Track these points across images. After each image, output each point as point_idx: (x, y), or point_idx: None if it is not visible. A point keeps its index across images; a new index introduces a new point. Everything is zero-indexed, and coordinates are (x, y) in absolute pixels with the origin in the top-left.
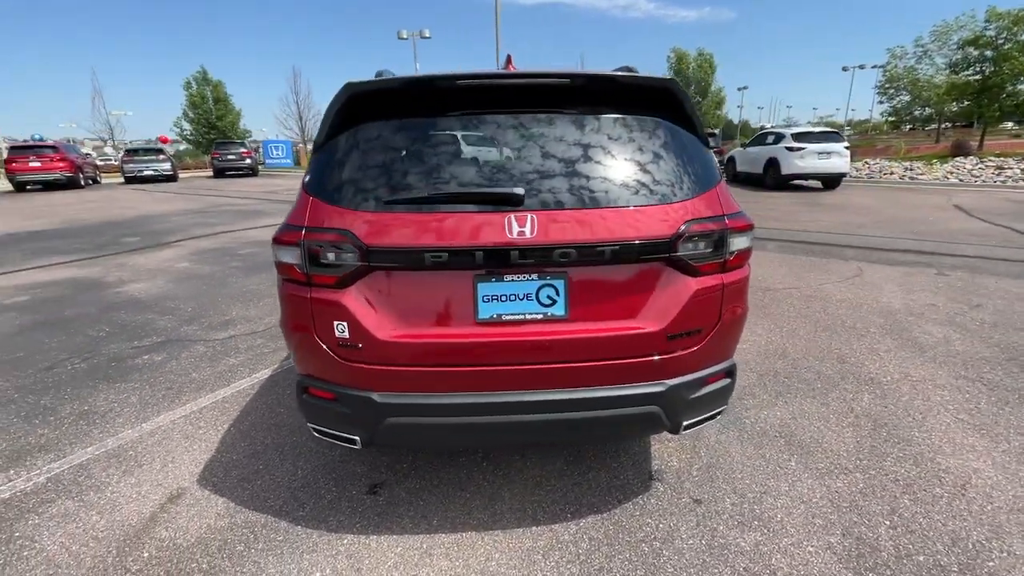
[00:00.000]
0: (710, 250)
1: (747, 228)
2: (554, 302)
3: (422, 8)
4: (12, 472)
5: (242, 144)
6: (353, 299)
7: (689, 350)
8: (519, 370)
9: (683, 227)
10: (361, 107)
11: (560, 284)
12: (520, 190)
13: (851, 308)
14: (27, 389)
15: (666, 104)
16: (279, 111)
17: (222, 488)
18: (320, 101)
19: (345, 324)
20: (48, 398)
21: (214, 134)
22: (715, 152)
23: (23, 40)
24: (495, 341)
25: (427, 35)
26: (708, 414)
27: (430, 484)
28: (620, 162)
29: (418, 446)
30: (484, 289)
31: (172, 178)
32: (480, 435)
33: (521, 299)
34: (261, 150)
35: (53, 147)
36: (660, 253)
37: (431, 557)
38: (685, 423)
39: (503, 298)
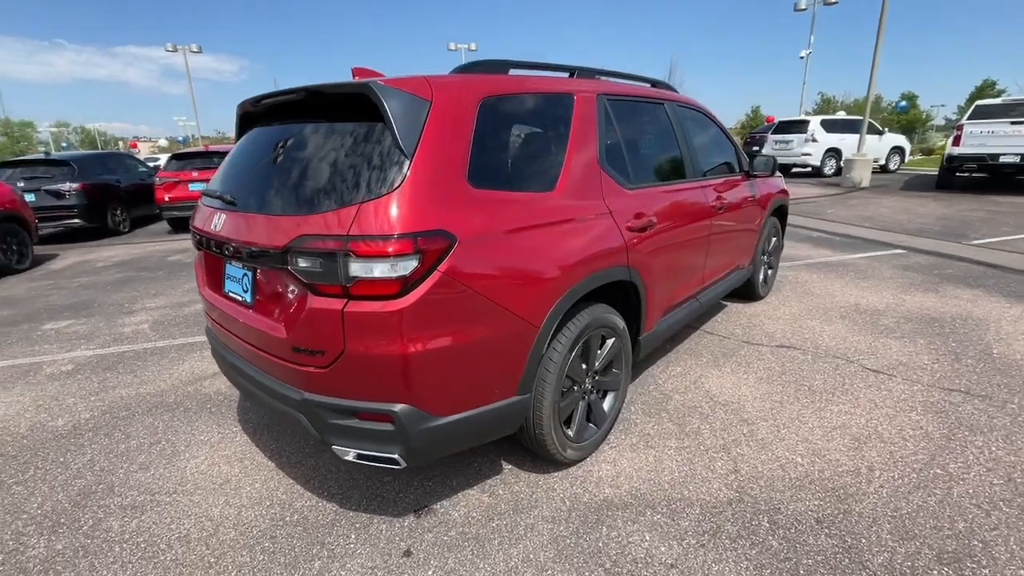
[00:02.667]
0: (321, 270)
1: (385, 255)
2: (247, 290)
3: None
4: None
5: None
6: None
7: (316, 369)
8: (238, 340)
9: (293, 241)
10: (242, 119)
11: (250, 275)
12: (230, 196)
13: None
14: None
15: (366, 110)
16: None
17: None
18: None
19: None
20: None
21: None
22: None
23: None
24: (227, 312)
25: (473, 48)
26: (374, 452)
27: None
28: (307, 168)
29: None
30: (228, 270)
31: None
32: (237, 383)
33: (237, 281)
34: None
35: None
36: (277, 263)
37: None
38: (336, 446)
39: (232, 278)
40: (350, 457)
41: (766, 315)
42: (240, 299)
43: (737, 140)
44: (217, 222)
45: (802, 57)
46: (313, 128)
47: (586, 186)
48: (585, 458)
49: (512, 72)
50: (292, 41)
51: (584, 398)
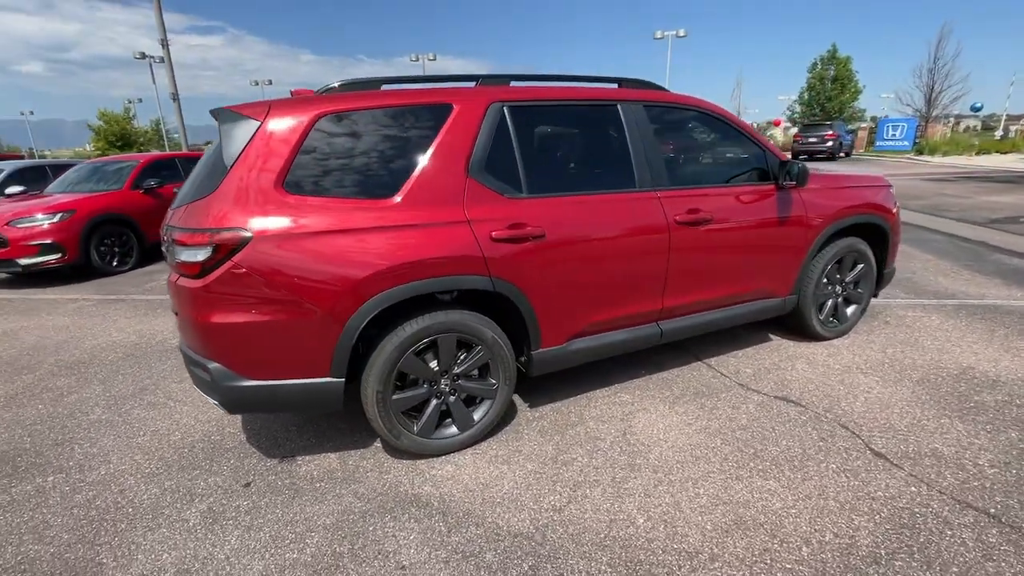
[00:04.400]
0: (168, 251)
1: (187, 244)
2: None
3: None
4: None
5: (828, 126)
6: None
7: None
8: None
9: (164, 229)
10: None
11: None
12: None
13: None
14: None
15: None
16: (908, 83)
17: None
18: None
19: None
20: None
21: (814, 115)
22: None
23: None
24: None
25: (682, 34)
26: (207, 396)
27: None
28: (195, 172)
29: None
30: None
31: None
32: None
33: None
34: (875, 130)
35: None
36: None
37: None
38: (196, 386)
39: None
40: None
41: (809, 358)
42: None
43: (773, 144)
44: None
45: None
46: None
47: (441, 195)
48: (434, 455)
49: (386, 88)
50: (511, 41)
51: (439, 398)
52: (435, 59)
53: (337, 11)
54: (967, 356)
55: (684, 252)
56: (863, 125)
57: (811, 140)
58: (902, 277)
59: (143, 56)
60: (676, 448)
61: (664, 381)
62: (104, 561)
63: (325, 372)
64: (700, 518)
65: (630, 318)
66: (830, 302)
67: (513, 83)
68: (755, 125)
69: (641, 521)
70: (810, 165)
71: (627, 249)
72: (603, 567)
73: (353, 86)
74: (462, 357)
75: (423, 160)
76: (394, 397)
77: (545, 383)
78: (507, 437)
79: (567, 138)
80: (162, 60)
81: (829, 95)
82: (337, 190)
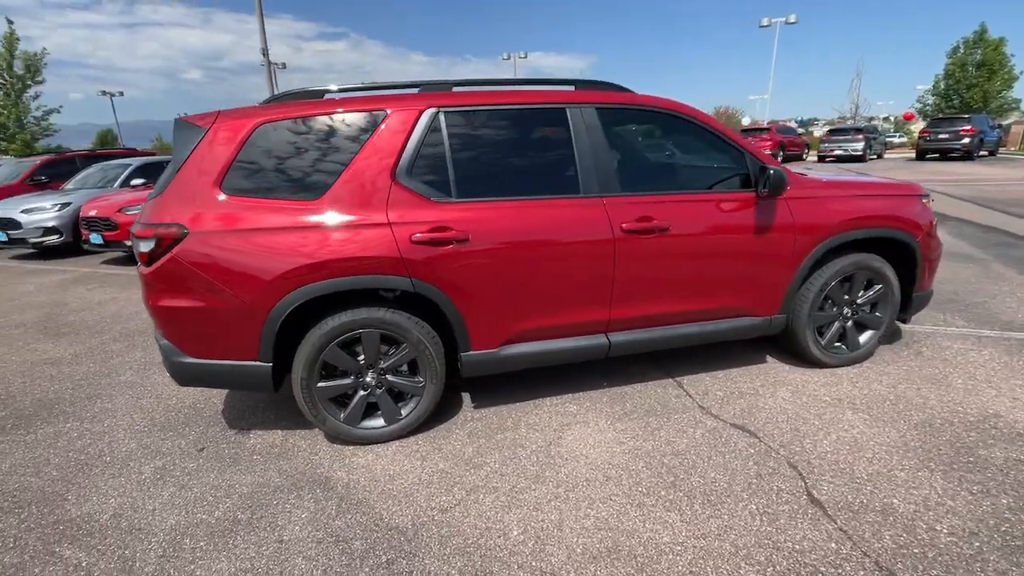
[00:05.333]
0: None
1: (139, 236)
2: None
3: None
4: None
5: (966, 120)
6: None
7: None
8: None
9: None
10: None
11: None
12: None
13: None
14: None
15: None
16: None
17: None
18: None
19: None
20: None
21: (951, 107)
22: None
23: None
24: None
25: (793, 20)
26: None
27: None
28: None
29: None
30: None
31: (860, 159)
32: None
33: None
34: None
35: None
36: None
37: None
38: None
39: None
40: None
41: (797, 387)
42: None
43: (759, 149)
44: None
45: None
46: None
47: (364, 197)
48: (359, 443)
49: (329, 96)
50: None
51: (365, 390)
52: (526, 57)
53: (451, 14)
54: (1000, 401)
55: (634, 262)
56: (1017, 120)
57: (942, 136)
58: (975, 302)
59: (267, 64)
60: (592, 466)
61: (621, 395)
62: (68, 498)
63: (254, 356)
64: (575, 540)
65: (573, 327)
66: (835, 325)
67: (456, 89)
68: (885, 120)
69: (515, 534)
70: (817, 168)
71: (564, 256)
72: (453, 572)
73: (297, 96)
74: (386, 351)
75: (351, 164)
76: (319, 385)
77: (503, 385)
78: (436, 434)
79: (507, 143)
80: (283, 66)
81: (971, 82)
82: (269, 192)
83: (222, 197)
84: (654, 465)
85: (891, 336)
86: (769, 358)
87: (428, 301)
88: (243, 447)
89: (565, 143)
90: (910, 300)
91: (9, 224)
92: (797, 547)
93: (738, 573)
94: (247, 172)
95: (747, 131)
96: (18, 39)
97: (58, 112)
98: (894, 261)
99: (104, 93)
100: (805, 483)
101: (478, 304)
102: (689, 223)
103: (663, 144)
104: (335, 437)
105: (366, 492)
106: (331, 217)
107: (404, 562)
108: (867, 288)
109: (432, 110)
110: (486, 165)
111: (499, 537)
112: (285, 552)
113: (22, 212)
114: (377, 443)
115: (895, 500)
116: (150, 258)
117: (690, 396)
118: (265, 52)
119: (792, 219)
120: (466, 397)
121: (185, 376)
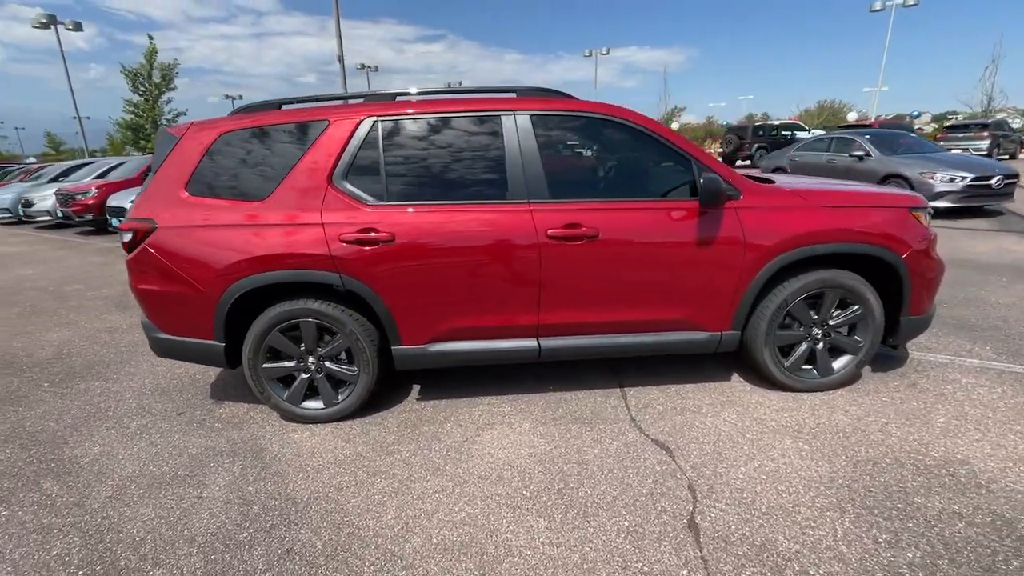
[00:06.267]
0: None
1: (123, 229)
2: None
3: None
4: None
5: None
6: None
7: None
8: None
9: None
10: None
11: None
12: None
13: None
14: None
15: None
16: None
17: None
18: None
19: None
20: None
21: None
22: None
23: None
24: None
25: (911, 2)
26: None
27: None
28: None
29: None
30: None
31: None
32: None
33: None
34: None
35: None
36: None
37: None
38: None
39: None
40: None
41: (746, 409)
42: None
43: (711, 155)
44: None
45: None
46: None
47: (302, 199)
48: (299, 421)
49: (285, 107)
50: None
51: (306, 373)
52: (608, 53)
53: (544, 11)
54: (978, 447)
55: (560, 268)
56: None
57: None
58: (1018, 331)
59: (363, 67)
60: (493, 465)
61: (560, 400)
62: (69, 441)
63: (211, 336)
64: (437, 531)
65: (501, 330)
66: (802, 346)
67: (400, 99)
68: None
69: (388, 518)
70: (786, 176)
71: (487, 260)
72: (317, 543)
73: (255, 108)
74: (323, 341)
75: (293, 169)
76: (264, 365)
77: (452, 381)
78: (372, 420)
79: (440, 150)
80: (376, 69)
81: None
82: (225, 192)
83: (187, 197)
84: (551, 471)
85: (894, 363)
86: (735, 377)
87: (359, 297)
88: (212, 415)
89: (497, 150)
90: (898, 324)
91: (120, 212)
92: (645, 569)
93: None
94: (209, 175)
95: (845, 127)
96: (156, 52)
97: (184, 114)
98: (880, 280)
99: (227, 97)
100: (694, 508)
101: (405, 301)
102: (621, 231)
103: (603, 151)
104: (287, 415)
105: (286, 464)
106: (272, 217)
107: (284, 529)
108: (842, 308)
109: (371, 119)
110: (419, 171)
111: (372, 519)
112: (197, 507)
113: (131, 202)
114: (315, 423)
115: (780, 537)
116: (130, 247)
117: (627, 408)
118: (341, 59)
119: (741, 230)
120: (415, 389)
121: (162, 349)
